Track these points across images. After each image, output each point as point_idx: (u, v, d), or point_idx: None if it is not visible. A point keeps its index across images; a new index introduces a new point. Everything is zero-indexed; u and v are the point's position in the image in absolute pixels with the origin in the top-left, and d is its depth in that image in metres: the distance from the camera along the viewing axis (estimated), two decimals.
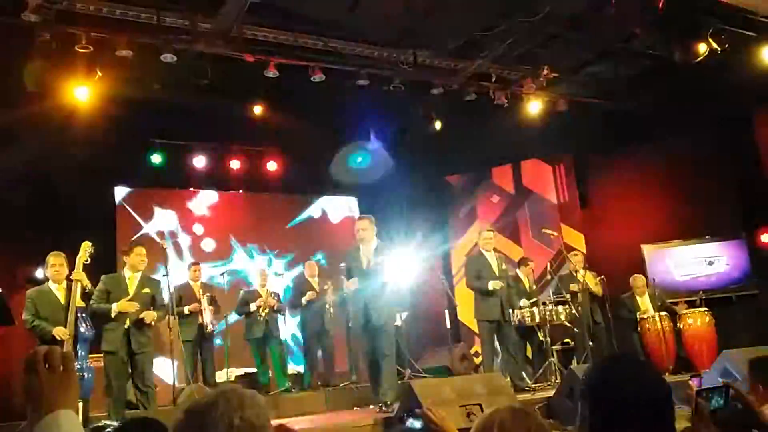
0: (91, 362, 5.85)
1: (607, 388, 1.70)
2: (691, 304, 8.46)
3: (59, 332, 5.43)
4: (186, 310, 7.60)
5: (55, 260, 5.75)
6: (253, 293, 8.39)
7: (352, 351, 8.53)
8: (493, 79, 8.79)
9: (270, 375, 8.23)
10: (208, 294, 7.94)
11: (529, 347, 8.38)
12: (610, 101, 9.41)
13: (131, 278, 6.03)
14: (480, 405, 4.82)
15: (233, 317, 8.45)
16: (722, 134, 9.17)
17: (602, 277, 8.17)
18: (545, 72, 8.50)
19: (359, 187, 10.91)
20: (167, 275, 6.48)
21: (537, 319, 7.74)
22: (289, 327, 9.52)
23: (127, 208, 9.54)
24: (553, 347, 8.10)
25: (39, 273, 7.38)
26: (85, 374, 5.57)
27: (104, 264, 6.56)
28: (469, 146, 10.27)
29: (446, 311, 9.13)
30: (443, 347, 9.24)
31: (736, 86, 8.35)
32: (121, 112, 7.88)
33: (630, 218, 10.08)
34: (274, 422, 1.61)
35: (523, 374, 7.55)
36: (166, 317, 6.34)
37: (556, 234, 8.77)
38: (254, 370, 8.33)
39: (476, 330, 9.40)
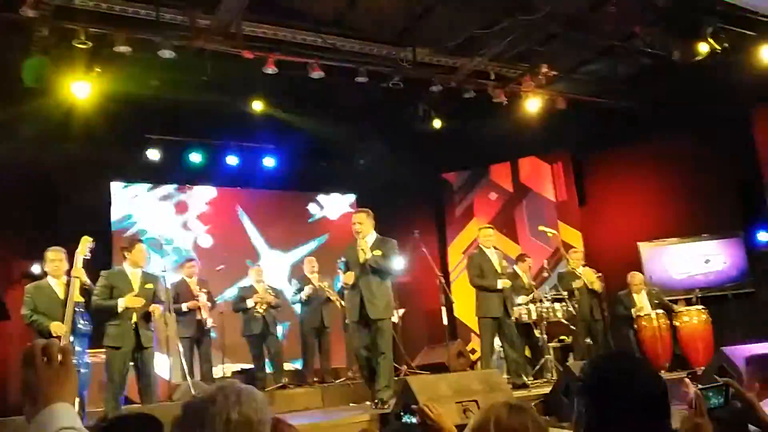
0: (89, 357, 5.84)
1: (604, 385, 1.70)
2: (688, 302, 8.48)
3: (56, 328, 5.38)
4: (184, 307, 7.57)
5: (55, 255, 5.68)
6: (249, 289, 8.37)
7: (350, 347, 8.51)
8: (492, 77, 8.79)
9: (267, 371, 8.23)
10: (204, 290, 7.91)
11: (526, 344, 8.39)
12: (609, 100, 9.42)
13: (133, 274, 6.01)
14: (476, 401, 4.83)
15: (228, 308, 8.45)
16: (721, 133, 9.16)
17: (600, 274, 8.18)
18: (544, 70, 8.50)
19: (357, 183, 10.91)
20: (165, 271, 6.47)
21: (534, 317, 7.75)
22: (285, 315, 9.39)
23: (124, 203, 9.54)
24: (550, 344, 8.10)
25: (35, 268, 7.36)
26: (82, 369, 5.56)
27: (100, 259, 6.55)
28: (467, 144, 10.25)
29: (443, 308, 9.13)
30: (440, 344, 9.25)
31: (735, 85, 8.33)
32: (119, 108, 7.86)
33: (627, 216, 10.10)
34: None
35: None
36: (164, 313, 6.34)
37: (553, 232, 8.76)
38: (250, 366, 8.32)
39: (473, 327, 9.44)
